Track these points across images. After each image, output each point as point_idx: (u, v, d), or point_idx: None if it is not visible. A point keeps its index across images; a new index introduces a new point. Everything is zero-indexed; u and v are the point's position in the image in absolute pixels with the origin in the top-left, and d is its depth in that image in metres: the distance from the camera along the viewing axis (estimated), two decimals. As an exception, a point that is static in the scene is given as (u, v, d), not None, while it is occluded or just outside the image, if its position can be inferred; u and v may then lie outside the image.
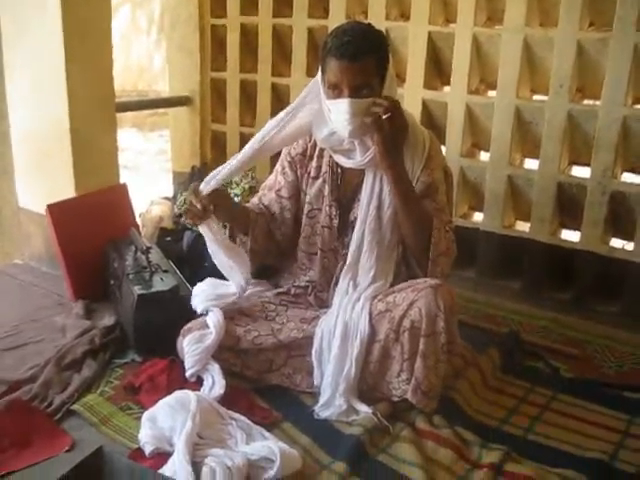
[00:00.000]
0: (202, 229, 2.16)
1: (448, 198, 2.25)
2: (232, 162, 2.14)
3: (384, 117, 1.94)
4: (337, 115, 2.01)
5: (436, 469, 1.83)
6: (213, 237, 2.15)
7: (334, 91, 2.00)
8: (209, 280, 2.35)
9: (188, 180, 3.98)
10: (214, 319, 2.15)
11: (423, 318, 1.93)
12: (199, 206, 2.07)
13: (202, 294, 2.29)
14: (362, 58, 1.95)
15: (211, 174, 2.12)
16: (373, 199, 2.12)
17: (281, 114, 2.14)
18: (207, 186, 2.09)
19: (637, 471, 1.86)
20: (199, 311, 2.23)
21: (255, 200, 2.39)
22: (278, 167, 2.35)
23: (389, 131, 1.96)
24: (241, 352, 2.17)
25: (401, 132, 2.01)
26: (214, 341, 2.12)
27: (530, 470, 1.80)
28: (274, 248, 2.36)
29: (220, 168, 2.14)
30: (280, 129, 2.12)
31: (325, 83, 2.03)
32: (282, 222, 2.33)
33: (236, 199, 3.13)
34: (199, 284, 2.34)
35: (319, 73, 2.08)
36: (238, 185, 3.24)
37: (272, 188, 2.36)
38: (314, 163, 2.27)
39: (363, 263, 2.14)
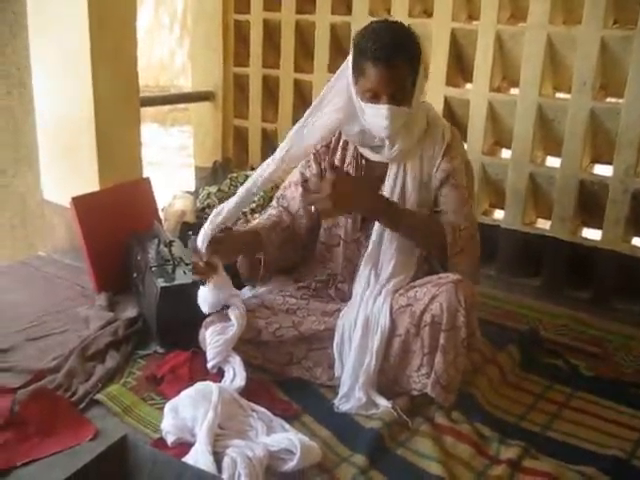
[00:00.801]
0: (213, 286, 2.16)
1: (469, 191, 2.24)
2: (240, 191, 2.17)
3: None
4: (374, 118, 2.04)
5: (455, 464, 1.84)
6: (218, 293, 2.18)
7: (370, 95, 2.02)
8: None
9: (210, 175, 4.01)
10: (236, 312, 2.16)
11: (444, 313, 1.94)
12: (201, 264, 2.11)
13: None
14: (398, 63, 1.98)
15: (204, 230, 2.14)
16: (396, 189, 2.14)
17: (301, 121, 2.16)
18: (203, 244, 2.11)
19: (656, 469, 1.86)
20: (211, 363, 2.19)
21: (271, 209, 2.40)
22: (302, 162, 2.36)
23: (337, 207, 2.00)
24: (262, 345, 2.19)
25: (359, 185, 2.06)
26: (236, 333, 2.14)
27: (548, 467, 1.81)
28: (291, 252, 2.37)
29: (224, 204, 2.17)
30: (303, 134, 2.14)
31: (358, 84, 2.05)
32: (306, 216, 2.34)
33: (255, 217, 3.12)
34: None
35: (344, 70, 2.10)
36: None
37: (298, 184, 2.36)
38: (338, 155, 2.28)
39: (384, 252, 2.15)
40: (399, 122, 2.04)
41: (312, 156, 2.32)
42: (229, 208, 2.13)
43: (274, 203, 2.41)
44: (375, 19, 2.13)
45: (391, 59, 1.96)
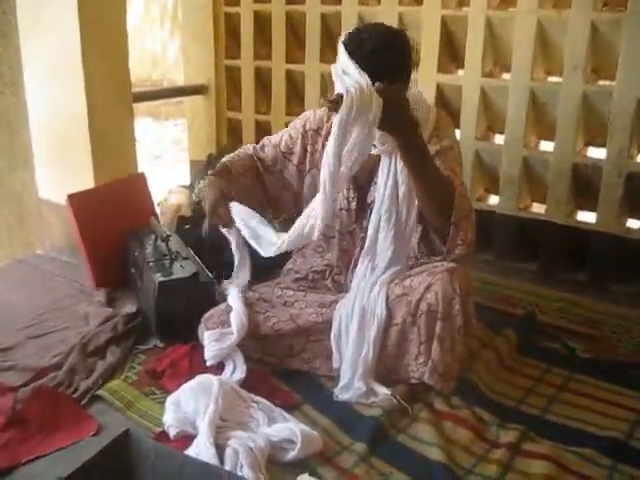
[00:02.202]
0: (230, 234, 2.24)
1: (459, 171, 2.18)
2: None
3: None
4: None
5: (455, 449, 1.86)
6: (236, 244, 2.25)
7: None
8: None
9: (205, 168, 4.01)
10: (237, 321, 2.16)
11: (439, 301, 1.95)
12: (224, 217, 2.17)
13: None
14: (388, 72, 1.91)
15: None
16: (389, 179, 2.11)
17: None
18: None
19: (654, 449, 1.88)
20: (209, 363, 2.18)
21: (249, 150, 2.39)
22: (291, 132, 2.34)
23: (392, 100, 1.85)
24: (260, 338, 2.20)
25: (398, 103, 1.87)
26: (233, 343, 2.14)
27: (547, 449, 1.83)
28: (257, 203, 2.32)
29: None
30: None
31: None
32: (280, 180, 2.35)
33: None
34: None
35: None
36: None
37: (277, 146, 2.35)
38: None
39: (381, 243, 2.14)
40: None
41: (300, 135, 2.31)
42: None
43: (254, 146, 2.40)
44: (367, 23, 2.11)
45: (380, 70, 1.90)
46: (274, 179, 2.35)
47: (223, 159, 2.36)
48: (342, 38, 2.02)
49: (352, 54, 1.93)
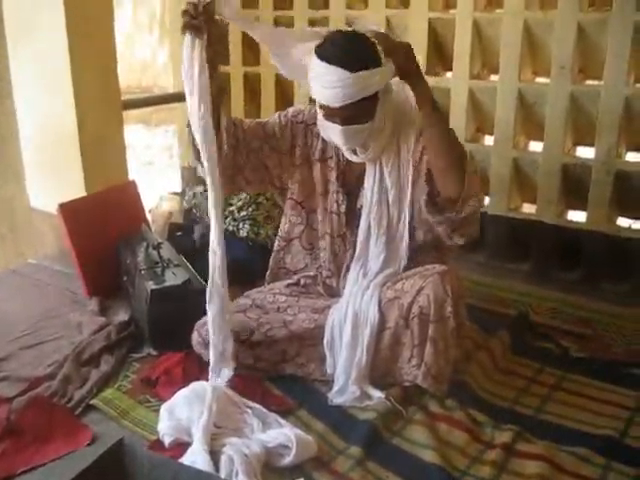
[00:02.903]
0: (191, 43, 1.89)
1: None
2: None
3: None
4: (333, 136, 2.05)
5: (449, 450, 1.86)
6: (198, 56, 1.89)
7: (324, 112, 2.02)
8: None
9: (196, 175, 4.01)
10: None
11: (431, 304, 1.95)
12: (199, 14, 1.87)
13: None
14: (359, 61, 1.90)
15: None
16: (376, 185, 2.13)
17: None
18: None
19: (647, 446, 1.89)
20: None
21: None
22: (280, 116, 2.28)
23: (402, 65, 1.90)
24: (254, 345, 2.19)
25: (409, 56, 1.93)
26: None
27: (541, 449, 1.83)
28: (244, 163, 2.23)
29: None
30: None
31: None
32: (254, 158, 2.24)
33: (246, 226, 3.11)
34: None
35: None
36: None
37: (259, 126, 2.26)
38: (319, 144, 2.26)
39: (372, 249, 2.16)
40: (357, 139, 2.04)
41: (289, 123, 2.27)
42: None
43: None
44: (336, 29, 2.03)
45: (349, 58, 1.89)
46: (249, 152, 2.22)
47: None
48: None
49: (322, 58, 1.92)
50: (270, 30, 2.12)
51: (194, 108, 1.91)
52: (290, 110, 2.32)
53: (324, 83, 1.91)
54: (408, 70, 1.94)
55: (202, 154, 1.95)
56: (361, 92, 1.90)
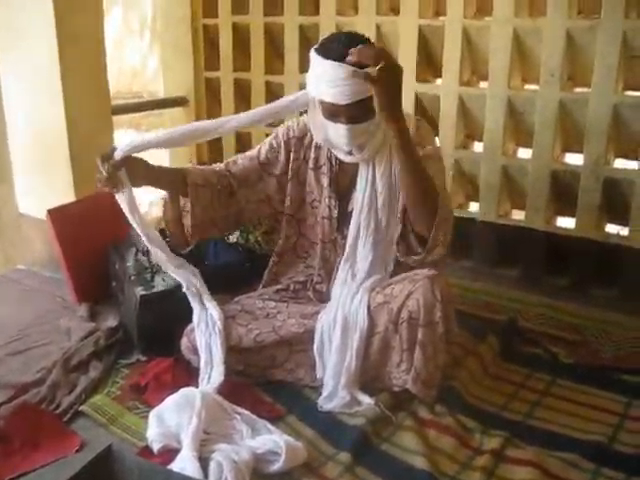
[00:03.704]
0: (118, 198, 2.09)
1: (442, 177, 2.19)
2: (168, 133, 2.16)
3: (377, 69, 1.82)
4: (336, 137, 2.05)
5: (439, 456, 1.86)
6: (128, 209, 2.09)
7: (328, 114, 2.02)
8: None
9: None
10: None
11: (420, 309, 1.96)
12: (104, 172, 2.00)
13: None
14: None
15: (130, 141, 2.07)
16: (367, 187, 2.13)
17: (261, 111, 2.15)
18: (121, 152, 2.03)
19: (636, 452, 1.89)
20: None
21: (215, 166, 2.33)
22: (272, 141, 2.31)
23: (386, 80, 1.84)
24: (243, 350, 2.19)
25: (398, 76, 1.88)
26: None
27: (531, 455, 1.84)
28: (221, 221, 2.29)
29: (147, 137, 2.13)
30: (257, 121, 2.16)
31: (318, 106, 2.04)
32: (251, 193, 2.30)
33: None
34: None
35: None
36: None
37: (255, 157, 2.31)
38: (312, 154, 2.27)
39: (360, 250, 2.16)
40: (362, 138, 2.05)
41: (283, 143, 2.29)
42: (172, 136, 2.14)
43: (221, 165, 2.33)
44: (336, 32, 2.10)
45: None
46: (249, 192, 2.29)
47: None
48: (311, 52, 2.02)
49: (327, 56, 1.93)
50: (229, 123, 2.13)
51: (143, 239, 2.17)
52: (280, 131, 2.32)
53: (331, 82, 1.91)
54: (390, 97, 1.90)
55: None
56: (367, 89, 1.90)
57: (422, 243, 2.02)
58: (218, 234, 2.46)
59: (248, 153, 2.35)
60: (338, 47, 1.92)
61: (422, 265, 2.06)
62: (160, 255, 2.18)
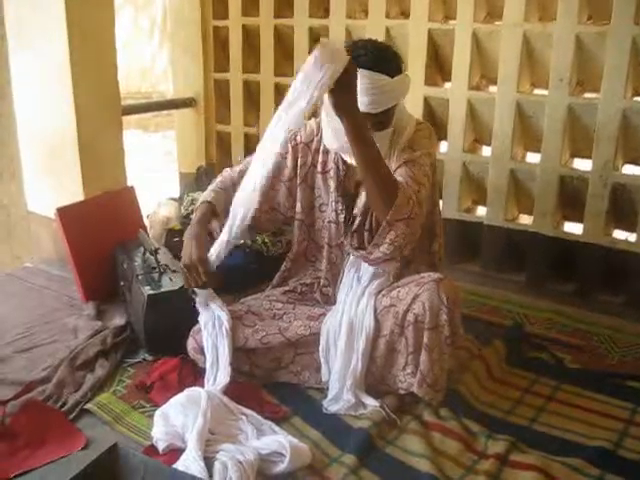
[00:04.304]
0: (201, 294, 2.19)
1: (432, 187, 2.17)
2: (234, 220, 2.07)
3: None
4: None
5: (443, 460, 1.86)
6: (208, 300, 2.21)
7: None
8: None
9: (194, 181, 4.02)
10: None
11: (426, 312, 1.96)
12: (204, 278, 2.10)
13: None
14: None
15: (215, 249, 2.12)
16: None
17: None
18: (217, 260, 2.12)
19: (641, 458, 1.89)
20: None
21: (231, 174, 2.33)
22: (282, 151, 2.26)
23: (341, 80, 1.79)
24: (249, 351, 2.19)
25: (352, 76, 1.82)
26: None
27: (536, 460, 1.83)
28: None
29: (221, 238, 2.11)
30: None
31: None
32: (266, 201, 2.27)
33: None
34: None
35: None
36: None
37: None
38: (320, 158, 2.27)
39: None
40: (383, 145, 2.05)
41: (290, 149, 2.28)
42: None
43: (233, 175, 2.32)
44: (360, 39, 2.07)
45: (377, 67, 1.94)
46: (261, 201, 2.19)
47: (205, 194, 2.28)
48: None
49: (359, 65, 1.90)
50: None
51: None
52: (290, 137, 2.26)
53: (362, 90, 1.91)
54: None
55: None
56: (397, 97, 1.96)
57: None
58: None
59: None
60: (370, 56, 1.94)
61: (369, 261, 2.06)
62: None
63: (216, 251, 2.11)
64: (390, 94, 1.96)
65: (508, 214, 3.19)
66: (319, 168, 2.28)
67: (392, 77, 1.95)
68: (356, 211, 2.21)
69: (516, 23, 2.98)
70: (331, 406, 2.09)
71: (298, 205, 2.33)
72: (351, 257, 2.20)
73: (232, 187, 2.21)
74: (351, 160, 2.15)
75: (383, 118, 2.01)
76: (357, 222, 2.13)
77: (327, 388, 2.14)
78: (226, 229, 2.07)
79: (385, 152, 2.10)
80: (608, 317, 2.81)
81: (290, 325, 2.19)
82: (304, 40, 3.69)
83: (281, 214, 2.36)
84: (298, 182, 2.31)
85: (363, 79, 1.90)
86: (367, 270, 2.16)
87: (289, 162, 2.30)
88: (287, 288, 2.38)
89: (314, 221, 2.34)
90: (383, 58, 1.96)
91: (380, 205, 1.93)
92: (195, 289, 2.17)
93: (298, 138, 2.30)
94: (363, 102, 1.93)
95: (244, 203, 2.01)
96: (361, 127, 1.90)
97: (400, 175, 2.02)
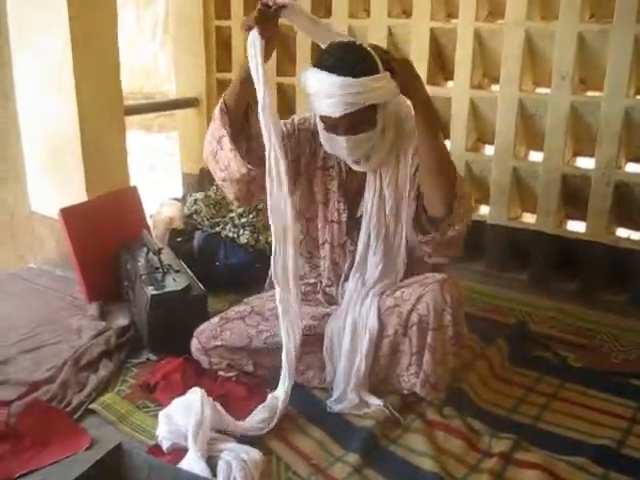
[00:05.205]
0: (254, 40, 1.94)
1: None
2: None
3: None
4: (337, 149, 2.04)
5: (447, 459, 1.87)
6: (259, 51, 1.94)
7: (324, 125, 2.01)
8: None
9: (197, 181, 4.03)
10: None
11: (430, 312, 1.96)
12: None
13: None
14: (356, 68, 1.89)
15: None
16: (376, 196, 2.12)
17: None
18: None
19: (644, 457, 1.89)
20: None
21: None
22: (287, 126, 2.22)
23: (401, 68, 1.88)
24: (253, 351, 2.20)
25: (409, 67, 1.92)
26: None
27: (540, 458, 1.83)
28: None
29: None
30: None
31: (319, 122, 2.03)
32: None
33: (246, 233, 3.14)
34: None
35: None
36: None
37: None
38: (322, 153, 2.23)
39: (371, 259, 2.16)
40: (362, 149, 2.02)
41: (296, 130, 2.22)
42: None
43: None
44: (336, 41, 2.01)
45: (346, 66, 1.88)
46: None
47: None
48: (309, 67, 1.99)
49: (320, 67, 1.91)
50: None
51: (259, 95, 1.92)
52: (295, 118, 2.26)
53: (324, 93, 1.89)
54: (409, 84, 1.91)
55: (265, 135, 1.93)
56: (362, 99, 1.88)
57: (435, 227, 1.99)
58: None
59: None
60: (331, 58, 1.90)
61: (438, 247, 2.04)
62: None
63: None
64: (351, 97, 1.87)
65: (511, 213, 3.19)
66: (319, 163, 2.25)
67: (354, 78, 1.86)
68: (360, 213, 2.20)
69: (518, 22, 2.97)
70: (335, 405, 2.09)
71: (296, 196, 2.27)
72: (356, 263, 2.19)
73: None
74: (351, 165, 2.14)
75: (351, 122, 1.94)
76: (413, 209, 2.07)
77: (331, 387, 2.14)
78: None
79: (383, 157, 2.10)
80: (612, 315, 2.81)
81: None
82: (306, 39, 3.68)
83: None
84: (302, 171, 2.26)
85: (324, 81, 1.88)
86: (372, 275, 2.16)
87: (293, 141, 2.21)
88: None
89: (314, 217, 2.31)
90: (345, 60, 1.89)
91: (447, 183, 1.96)
92: None
93: (307, 124, 2.24)
94: (323, 105, 1.91)
95: None
96: (428, 107, 1.93)
97: None
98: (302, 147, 2.23)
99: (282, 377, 2.05)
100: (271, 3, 1.93)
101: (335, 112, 1.90)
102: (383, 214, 2.13)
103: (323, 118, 1.99)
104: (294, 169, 2.20)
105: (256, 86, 1.92)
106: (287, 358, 2.02)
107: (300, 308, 2.06)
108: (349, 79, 1.86)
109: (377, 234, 2.14)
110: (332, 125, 1.98)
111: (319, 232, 2.31)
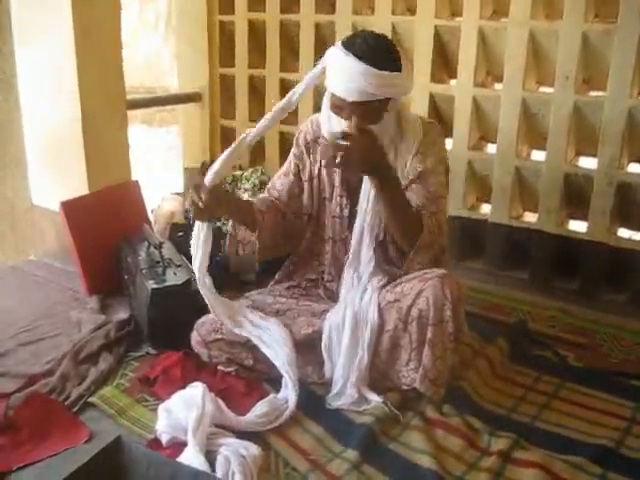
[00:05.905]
0: (198, 229, 2.12)
1: (443, 188, 2.19)
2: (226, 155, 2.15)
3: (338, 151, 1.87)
4: (333, 129, 2.05)
5: (446, 457, 1.86)
6: (202, 240, 2.12)
7: (336, 109, 2.04)
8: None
9: (199, 176, 4.02)
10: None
11: (430, 307, 1.96)
12: (201, 204, 2.00)
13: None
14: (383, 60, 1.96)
15: (212, 169, 2.09)
16: (370, 192, 2.13)
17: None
18: (211, 180, 2.05)
19: (643, 457, 1.89)
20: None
21: (264, 194, 2.39)
22: (295, 151, 2.34)
23: (346, 159, 1.86)
24: (253, 346, 2.19)
25: (370, 142, 1.91)
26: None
27: (538, 457, 1.83)
28: (282, 240, 2.32)
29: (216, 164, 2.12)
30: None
31: (329, 98, 2.07)
32: (300, 205, 2.33)
33: (246, 195, 3.15)
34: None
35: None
36: (248, 180, 3.27)
37: (288, 174, 2.34)
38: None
39: (363, 255, 2.17)
40: None
41: (304, 148, 2.32)
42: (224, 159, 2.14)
43: (265, 194, 2.38)
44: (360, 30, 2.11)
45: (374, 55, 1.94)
46: (295, 206, 2.32)
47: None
48: (337, 43, 2.05)
49: (348, 50, 1.95)
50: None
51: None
52: (299, 138, 2.34)
53: (345, 75, 1.94)
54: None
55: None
56: (379, 92, 1.94)
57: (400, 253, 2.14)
58: (282, 252, 2.44)
59: (281, 171, 2.38)
60: (363, 45, 1.95)
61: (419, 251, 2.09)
62: (209, 298, 2.17)
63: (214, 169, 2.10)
64: (371, 87, 1.93)
65: (513, 212, 3.18)
66: (324, 162, 2.27)
67: (378, 70, 1.92)
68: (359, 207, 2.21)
69: (522, 21, 2.97)
70: (334, 401, 2.09)
71: (306, 197, 2.33)
72: (350, 256, 2.20)
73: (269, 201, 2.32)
74: None
75: (360, 111, 1.96)
76: (381, 236, 2.17)
77: (330, 383, 2.14)
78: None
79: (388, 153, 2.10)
80: (612, 315, 2.81)
81: (293, 322, 2.19)
82: (310, 36, 3.68)
83: (307, 217, 2.36)
84: (309, 177, 2.33)
85: (347, 64, 1.94)
86: (366, 269, 2.17)
87: (307, 161, 2.32)
88: (291, 283, 2.38)
89: (320, 215, 2.34)
90: (376, 50, 1.95)
91: (406, 245, 2.07)
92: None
93: (307, 137, 2.33)
94: (340, 87, 1.97)
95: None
96: (386, 180, 1.96)
97: (416, 194, 2.08)
98: (309, 157, 2.32)
99: (284, 383, 2.10)
100: (197, 200, 2.01)
101: (349, 96, 1.96)
102: (377, 212, 2.13)
103: (334, 97, 2.02)
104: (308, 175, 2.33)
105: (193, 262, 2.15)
106: (285, 369, 2.09)
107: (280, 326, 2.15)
108: (373, 69, 1.92)
109: (370, 230, 2.15)
110: (339, 106, 2.02)
111: (325, 228, 2.33)
